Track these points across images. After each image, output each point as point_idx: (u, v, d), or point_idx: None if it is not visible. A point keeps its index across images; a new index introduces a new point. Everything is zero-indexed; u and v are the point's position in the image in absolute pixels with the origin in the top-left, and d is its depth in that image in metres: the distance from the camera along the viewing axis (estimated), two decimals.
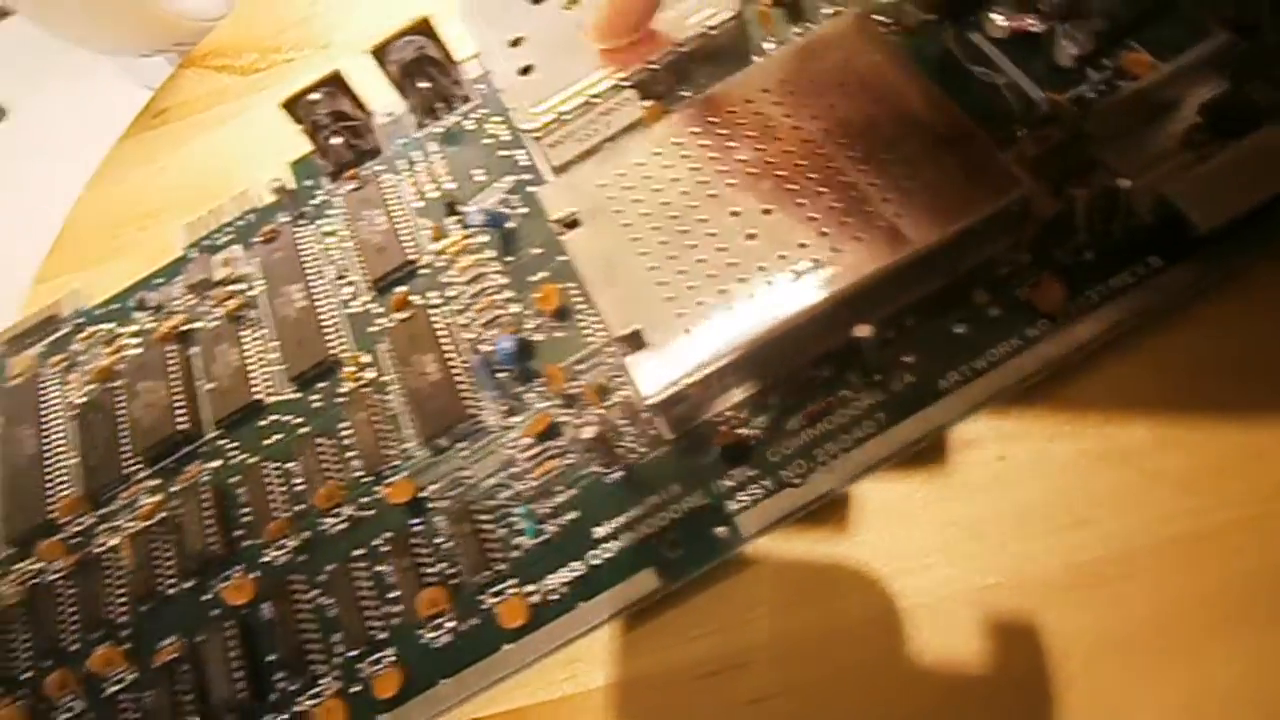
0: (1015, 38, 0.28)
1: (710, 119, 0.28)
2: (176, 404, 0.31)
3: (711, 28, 0.30)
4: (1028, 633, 0.22)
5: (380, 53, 0.34)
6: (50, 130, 0.53)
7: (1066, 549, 0.23)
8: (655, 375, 0.25)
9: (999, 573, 0.23)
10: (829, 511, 0.25)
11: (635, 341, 0.25)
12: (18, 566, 0.31)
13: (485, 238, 0.31)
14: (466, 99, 0.35)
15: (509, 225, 0.31)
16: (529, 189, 0.32)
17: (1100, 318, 0.24)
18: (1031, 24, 0.28)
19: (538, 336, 0.29)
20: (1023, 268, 0.25)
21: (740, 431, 0.26)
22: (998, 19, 0.28)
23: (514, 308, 0.30)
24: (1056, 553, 0.23)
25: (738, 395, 0.26)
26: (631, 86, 0.30)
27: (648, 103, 0.31)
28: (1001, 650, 0.22)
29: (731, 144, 0.27)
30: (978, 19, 0.29)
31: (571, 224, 0.28)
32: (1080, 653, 0.22)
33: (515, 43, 0.32)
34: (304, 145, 0.36)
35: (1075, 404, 0.24)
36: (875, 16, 0.30)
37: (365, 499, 0.28)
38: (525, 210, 0.32)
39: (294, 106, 0.35)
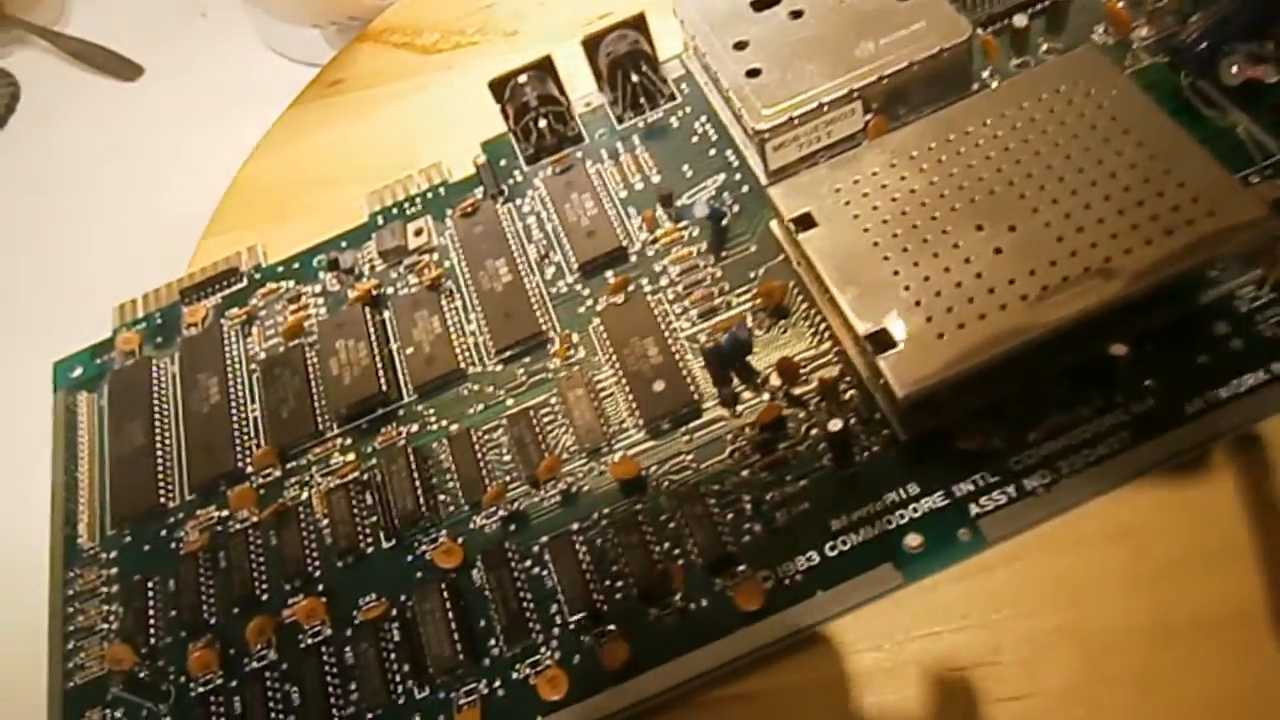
0: (1247, 86, 0.29)
1: (948, 137, 0.29)
2: (378, 365, 0.32)
3: (942, 49, 0.31)
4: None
5: (592, 44, 0.35)
6: (186, 91, 0.53)
7: None
8: (905, 374, 0.25)
9: (1242, 599, 0.23)
10: (1073, 523, 0.25)
11: (883, 339, 0.26)
12: (202, 512, 0.31)
13: (696, 231, 0.32)
14: (672, 96, 0.35)
15: (724, 223, 0.32)
16: (743, 189, 0.32)
17: None
18: (1266, 74, 0.29)
19: (757, 331, 0.30)
20: (1265, 305, 0.26)
21: (983, 437, 0.26)
22: (1233, 67, 0.29)
23: (733, 301, 0.30)
24: None
25: (977, 403, 0.26)
26: (857, 98, 0.31)
27: (868, 116, 0.32)
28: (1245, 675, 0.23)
29: (971, 162, 0.28)
30: (1212, 65, 0.30)
31: (806, 224, 0.28)
32: None
33: (739, 45, 0.33)
34: (489, 124, 0.36)
35: None
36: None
37: (583, 473, 0.29)
38: (736, 209, 0.32)
39: (500, 87, 0.35)
